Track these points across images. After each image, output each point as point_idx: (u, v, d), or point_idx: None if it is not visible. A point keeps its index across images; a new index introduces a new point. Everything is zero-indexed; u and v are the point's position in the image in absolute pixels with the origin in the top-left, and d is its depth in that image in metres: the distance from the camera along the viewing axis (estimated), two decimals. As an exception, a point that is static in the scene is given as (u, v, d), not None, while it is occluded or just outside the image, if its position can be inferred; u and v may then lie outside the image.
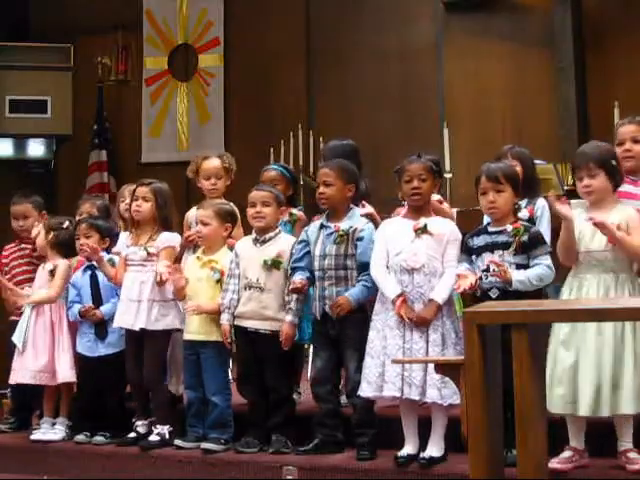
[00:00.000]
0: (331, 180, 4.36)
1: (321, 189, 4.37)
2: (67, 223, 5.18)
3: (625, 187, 4.06)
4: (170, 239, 4.79)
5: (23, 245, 5.52)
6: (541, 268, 3.88)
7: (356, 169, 4.53)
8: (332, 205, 4.38)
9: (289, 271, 4.46)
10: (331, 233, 4.34)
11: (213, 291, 4.63)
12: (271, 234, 4.56)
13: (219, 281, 4.62)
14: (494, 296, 3.87)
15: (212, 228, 4.68)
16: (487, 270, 3.93)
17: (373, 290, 4.20)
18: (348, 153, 4.84)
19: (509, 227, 3.95)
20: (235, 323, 4.54)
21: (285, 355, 4.50)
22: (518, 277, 3.85)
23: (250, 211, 4.57)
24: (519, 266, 3.90)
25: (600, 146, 4.00)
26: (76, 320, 4.96)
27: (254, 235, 4.60)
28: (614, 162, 3.89)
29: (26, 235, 5.47)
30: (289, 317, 4.42)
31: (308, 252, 4.40)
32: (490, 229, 4.02)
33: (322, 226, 4.40)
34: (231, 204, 5.03)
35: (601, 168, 3.83)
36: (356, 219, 4.38)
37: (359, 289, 4.23)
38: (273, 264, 4.47)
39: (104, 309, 4.90)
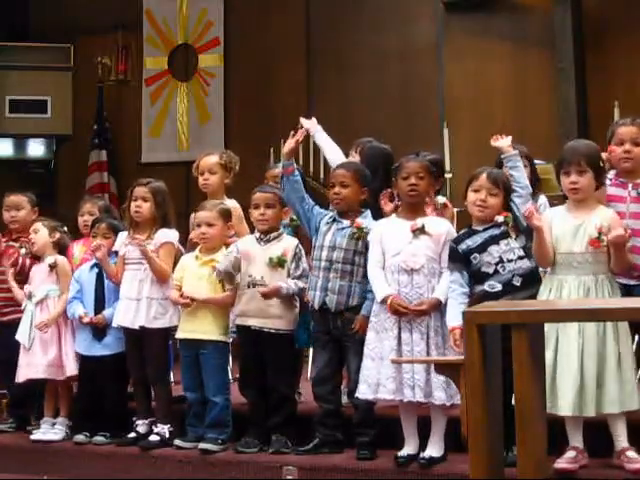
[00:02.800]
0: (348, 182, 4.36)
1: (337, 189, 4.36)
2: (65, 227, 5.29)
3: (613, 190, 4.07)
4: (168, 235, 4.80)
5: (13, 242, 5.44)
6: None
7: (370, 174, 4.50)
8: (345, 206, 4.38)
9: (293, 271, 4.48)
10: (343, 228, 4.34)
11: (214, 289, 4.63)
12: (275, 234, 4.57)
13: (221, 280, 4.62)
14: (518, 284, 3.88)
15: (218, 228, 4.68)
16: (501, 261, 3.93)
17: None
18: (385, 158, 4.81)
19: (500, 218, 3.97)
20: (238, 322, 4.54)
21: (288, 355, 4.52)
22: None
23: (254, 213, 4.57)
24: (526, 249, 3.93)
25: (590, 145, 4.02)
26: (73, 318, 4.97)
27: (257, 234, 4.60)
28: (601, 164, 3.91)
29: (16, 227, 5.44)
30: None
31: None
32: (477, 228, 4.01)
33: (334, 220, 4.40)
34: (233, 201, 5.06)
35: (590, 167, 3.84)
36: (369, 221, 4.38)
37: (370, 303, 4.22)
38: (278, 262, 4.47)
39: (107, 313, 4.89)
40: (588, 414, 3.66)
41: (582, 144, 4.05)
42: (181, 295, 4.62)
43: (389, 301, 4.00)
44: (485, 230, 3.99)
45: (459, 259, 4.00)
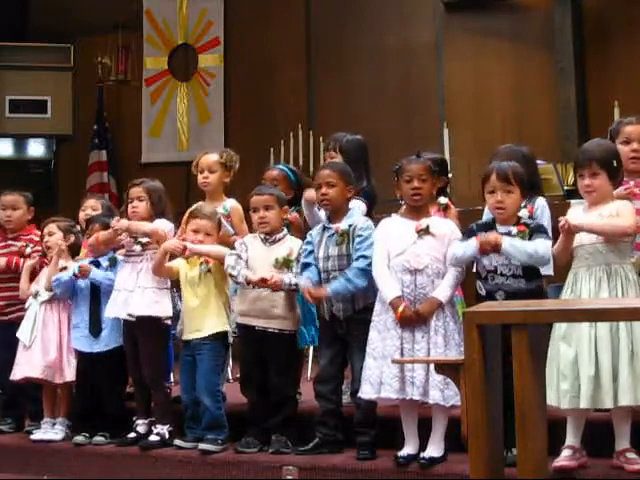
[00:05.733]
0: (334, 181, 4.35)
1: (324, 190, 4.35)
2: (78, 227, 5.30)
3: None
4: (160, 225, 4.78)
5: (10, 241, 5.44)
6: (536, 242, 3.85)
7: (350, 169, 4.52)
8: (334, 206, 4.37)
9: (297, 269, 4.44)
10: (332, 235, 4.34)
11: (209, 290, 4.62)
12: (280, 235, 4.56)
13: (209, 270, 4.61)
14: (500, 298, 3.85)
15: (214, 239, 4.68)
16: (495, 271, 3.92)
17: (357, 285, 4.19)
18: (363, 148, 4.84)
19: (514, 230, 3.92)
20: (241, 321, 4.54)
21: (290, 355, 4.51)
22: (510, 241, 3.83)
23: (254, 217, 4.56)
24: (525, 268, 3.89)
25: (603, 145, 3.99)
26: (55, 285, 4.94)
27: (262, 235, 4.58)
28: (616, 163, 3.87)
29: (11, 227, 5.45)
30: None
31: (313, 251, 4.40)
32: (499, 229, 3.97)
33: (324, 228, 4.40)
34: (233, 200, 5.07)
35: (603, 168, 3.82)
36: (355, 217, 4.38)
37: (339, 283, 4.21)
38: (284, 263, 4.47)
39: (93, 272, 4.87)
40: (605, 406, 3.63)
41: (594, 146, 3.99)
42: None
43: (400, 309, 3.98)
44: (500, 233, 3.95)
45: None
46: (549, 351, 3.73)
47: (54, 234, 5.18)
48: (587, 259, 3.81)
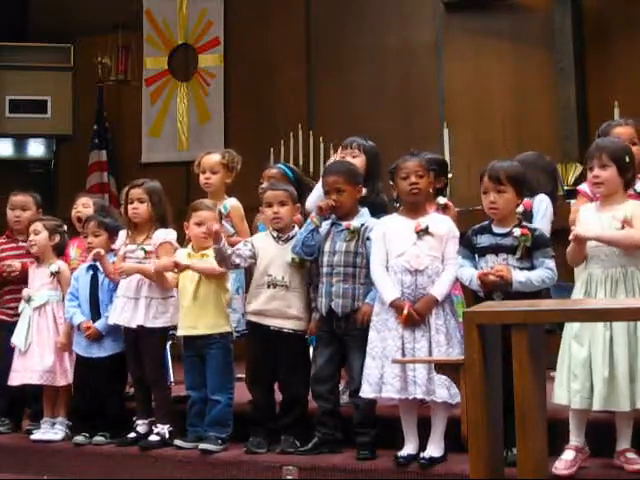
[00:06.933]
0: (342, 186, 4.33)
1: (334, 197, 4.32)
2: (65, 226, 5.27)
3: None
4: (166, 235, 4.79)
5: (20, 243, 5.43)
6: (543, 270, 3.86)
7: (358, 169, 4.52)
8: (347, 210, 4.36)
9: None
10: (342, 230, 4.33)
11: (207, 285, 4.60)
12: (292, 232, 4.53)
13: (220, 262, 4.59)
14: (498, 299, 3.83)
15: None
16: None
17: None
18: (379, 156, 4.81)
19: (517, 231, 3.90)
20: (254, 319, 4.51)
21: (302, 355, 4.51)
22: (519, 278, 3.83)
23: (268, 212, 4.54)
24: (523, 270, 3.87)
25: (615, 141, 3.98)
26: (70, 321, 4.96)
27: (274, 233, 4.55)
28: (628, 159, 3.83)
29: (19, 228, 5.43)
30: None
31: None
32: (495, 230, 3.97)
33: (333, 223, 4.39)
34: (234, 199, 5.06)
35: (613, 161, 3.79)
36: (367, 217, 4.37)
37: (375, 292, 4.20)
38: (301, 262, 4.46)
39: (99, 325, 4.86)
40: (622, 409, 3.60)
41: (607, 140, 3.99)
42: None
43: (405, 312, 3.97)
44: (498, 235, 3.95)
45: (469, 249, 4.00)
46: (560, 350, 3.72)
47: (39, 233, 5.15)
48: (603, 260, 3.77)
